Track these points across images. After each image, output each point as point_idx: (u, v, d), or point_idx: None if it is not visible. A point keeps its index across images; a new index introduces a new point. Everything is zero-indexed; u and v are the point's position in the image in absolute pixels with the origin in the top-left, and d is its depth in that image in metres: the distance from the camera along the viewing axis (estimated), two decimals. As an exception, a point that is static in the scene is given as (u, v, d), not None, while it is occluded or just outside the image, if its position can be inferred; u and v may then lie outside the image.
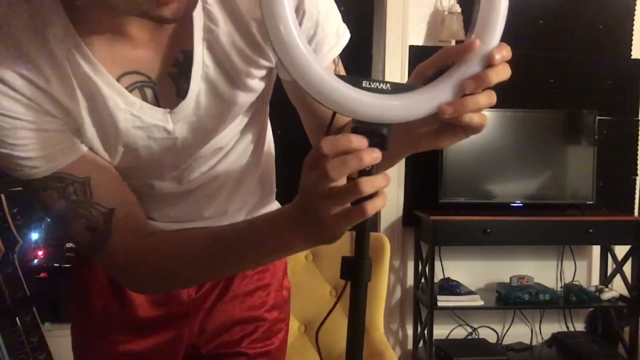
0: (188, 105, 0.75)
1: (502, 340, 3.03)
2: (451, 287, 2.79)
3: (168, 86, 0.75)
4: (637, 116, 3.09)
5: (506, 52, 0.58)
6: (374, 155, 0.56)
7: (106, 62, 0.70)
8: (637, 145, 3.10)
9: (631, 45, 3.05)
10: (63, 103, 0.70)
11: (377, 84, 0.58)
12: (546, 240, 2.86)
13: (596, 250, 3.11)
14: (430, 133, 0.66)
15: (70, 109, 0.70)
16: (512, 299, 2.77)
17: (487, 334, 3.02)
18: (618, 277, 2.94)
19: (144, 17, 0.64)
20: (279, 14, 0.55)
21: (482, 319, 3.02)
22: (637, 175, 3.11)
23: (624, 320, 2.94)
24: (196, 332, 0.99)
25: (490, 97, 0.59)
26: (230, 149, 0.86)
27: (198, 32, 0.72)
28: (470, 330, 3.01)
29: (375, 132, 0.57)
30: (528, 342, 3.03)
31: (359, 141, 0.56)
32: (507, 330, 3.04)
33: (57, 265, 2.50)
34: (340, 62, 0.82)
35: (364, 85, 0.57)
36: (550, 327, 3.09)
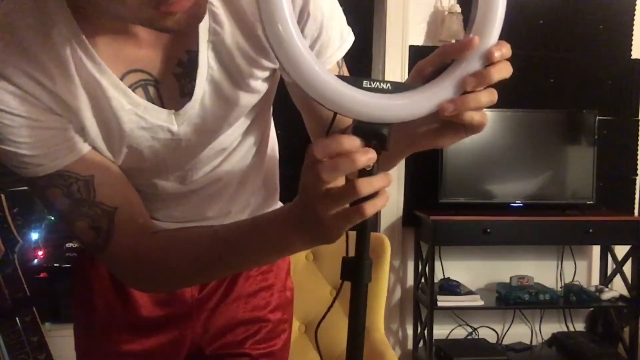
0: (193, 107, 0.75)
1: (502, 340, 3.04)
2: (451, 287, 2.79)
3: (172, 86, 0.75)
4: (637, 116, 3.09)
5: (506, 50, 0.58)
6: (368, 156, 0.55)
7: (110, 60, 0.70)
8: (637, 145, 3.11)
9: (631, 45, 3.05)
10: (67, 102, 0.70)
11: (378, 83, 0.57)
12: (546, 240, 2.86)
13: (596, 250, 3.11)
14: (430, 132, 0.66)
15: (74, 108, 0.70)
16: (512, 299, 2.77)
17: (487, 334, 3.02)
18: (618, 277, 2.94)
19: (148, 26, 0.65)
20: (278, 14, 0.55)
21: (482, 319, 3.02)
22: (637, 175, 3.12)
23: (624, 320, 2.94)
24: (199, 332, 0.99)
25: (492, 95, 0.59)
26: (233, 150, 0.86)
27: (203, 34, 0.72)
28: (470, 330, 3.01)
29: (375, 132, 0.57)
30: (528, 342, 3.03)
31: (350, 143, 0.55)
32: (507, 330, 3.04)
33: (57, 265, 2.50)
34: (344, 64, 0.82)
35: (364, 85, 0.57)
36: (550, 327, 3.09)
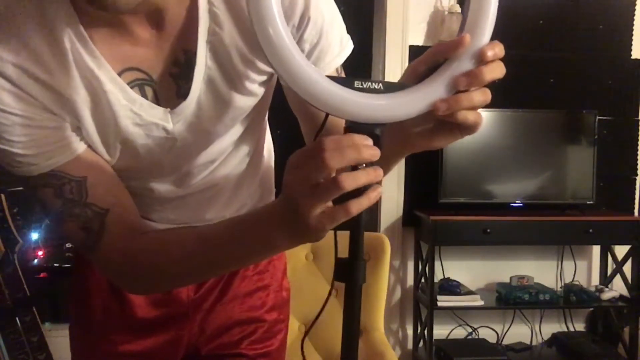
0: (189, 105, 0.75)
1: (502, 340, 3.03)
2: (451, 287, 2.79)
3: (169, 86, 0.75)
4: (637, 116, 3.09)
5: (498, 50, 0.58)
6: (372, 152, 0.55)
7: (107, 56, 0.70)
8: (637, 145, 3.10)
9: (631, 45, 3.05)
10: (64, 95, 0.69)
11: (369, 83, 0.57)
12: (546, 240, 2.85)
13: (596, 250, 3.11)
14: (424, 133, 0.65)
15: (71, 101, 0.70)
16: (512, 299, 2.77)
17: (487, 334, 3.02)
18: (618, 277, 2.94)
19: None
20: (268, 16, 0.54)
21: (482, 319, 3.02)
22: (637, 175, 3.11)
23: (624, 320, 2.94)
24: (196, 332, 0.99)
25: (485, 95, 0.59)
26: (230, 153, 0.86)
27: (202, 34, 0.72)
28: (470, 330, 3.01)
29: (368, 132, 0.56)
30: (528, 342, 3.03)
31: (361, 138, 0.55)
32: (507, 330, 3.04)
33: (57, 265, 2.50)
34: (343, 72, 0.82)
35: (355, 85, 0.57)
36: (550, 327, 3.09)
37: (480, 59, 0.57)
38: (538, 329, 3.07)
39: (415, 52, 2.86)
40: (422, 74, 0.60)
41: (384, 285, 2.08)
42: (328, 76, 0.57)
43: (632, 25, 3.04)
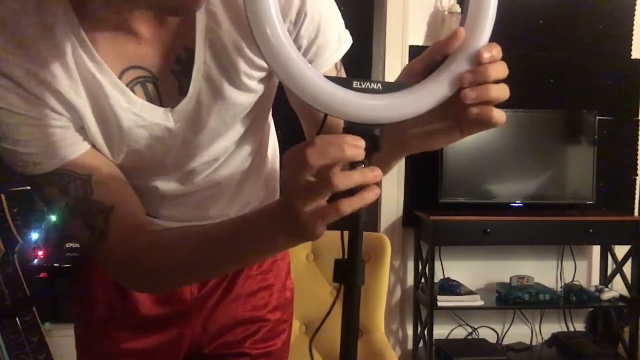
0: (189, 103, 0.75)
1: (502, 340, 3.04)
2: (451, 287, 2.79)
3: (171, 83, 0.75)
4: (637, 116, 3.09)
5: (496, 52, 0.57)
6: (356, 151, 0.53)
7: (109, 56, 0.71)
8: (637, 145, 3.11)
9: (631, 45, 3.05)
10: (68, 98, 0.70)
11: (368, 84, 0.56)
12: (546, 240, 2.86)
13: (596, 250, 3.11)
14: (423, 134, 0.65)
15: (75, 104, 0.71)
16: (512, 299, 2.77)
17: (487, 334, 3.02)
18: (618, 277, 2.94)
19: (155, 9, 0.65)
20: (265, 15, 0.54)
21: (482, 319, 3.02)
22: (637, 175, 3.12)
23: (624, 320, 2.94)
24: (198, 331, 0.99)
25: (505, 90, 0.58)
26: (233, 151, 0.87)
27: (200, 32, 0.72)
28: (470, 330, 3.01)
29: (367, 132, 0.56)
30: (528, 342, 3.03)
31: (352, 138, 0.54)
32: (507, 330, 3.04)
33: (57, 265, 2.49)
34: (342, 67, 0.82)
35: (354, 85, 0.56)
36: (550, 327, 3.09)
37: (478, 61, 0.57)
38: (538, 329, 3.07)
39: (415, 52, 2.87)
40: (419, 74, 0.60)
41: (384, 285, 2.08)
42: (326, 76, 0.56)
43: (632, 25, 3.04)
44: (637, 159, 3.11)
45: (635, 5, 3.05)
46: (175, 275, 0.79)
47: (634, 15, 3.05)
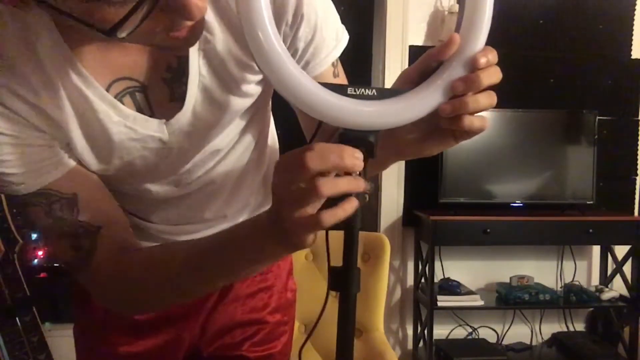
0: (184, 115, 0.74)
1: (502, 340, 3.04)
2: (451, 287, 2.79)
3: (161, 91, 0.73)
4: (637, 116, 3.09)
5: (491, 57, 0.57)
6: (356, 162, 0.53)
7: (96, 69, 0.68)
8: (637, 145, 3.10)
9: (631, 45, 3.05)
10: (52, 116, 0.68)
11: (363, 90, 0.56)
12: (546, 240, 2.85)
13: (596, 250, 3.11)
14: (417, 140, 0.65)
15: (59, 121, 0.68)
16: (512, 299, 2.77)
17: (487, 334, 3.02)
18: (618, 277, 2.94)
19: (155, 48, 0.64)
20: (258, 22, 0.53)
21: (482, 319, 3.02)
22: (637, 175, 3.12)
23: (624, 320, 2.94)
24: (197, 333, 0.99)
25: (491, 98, 0.58)
26: (229, 151, 0.85)
27: None
28: (470, 330, 3.01)
29: (362, 139, 0.55)
30: (528, 342, 3.03)
31: (352, 149, 0.53)
32: (507, 330, 3.04)
33: (57, 265, 2.50)
34: (339, 64, 0.81)
35: (348, 92, 0.56)
36: (550, 327, 3.09)
37: (474, 67, 0.56)
38: (538, 329, 3.07)
39: (415, 52, 2.87)
40: (414, 80, 0.60)
41: (384, 285, 2.08)
42: (321, 83, 0.56)
43: (632, 25, 3.04)
44: (637, 159, 3.11)
45: (635, 5, 3.05)
46: (162, 294, 0.76)
47: (634, 15, 3.05)
